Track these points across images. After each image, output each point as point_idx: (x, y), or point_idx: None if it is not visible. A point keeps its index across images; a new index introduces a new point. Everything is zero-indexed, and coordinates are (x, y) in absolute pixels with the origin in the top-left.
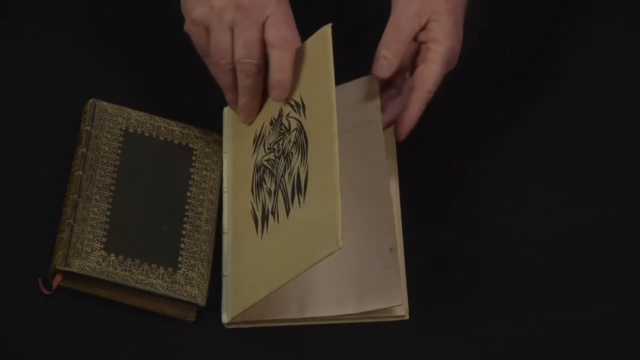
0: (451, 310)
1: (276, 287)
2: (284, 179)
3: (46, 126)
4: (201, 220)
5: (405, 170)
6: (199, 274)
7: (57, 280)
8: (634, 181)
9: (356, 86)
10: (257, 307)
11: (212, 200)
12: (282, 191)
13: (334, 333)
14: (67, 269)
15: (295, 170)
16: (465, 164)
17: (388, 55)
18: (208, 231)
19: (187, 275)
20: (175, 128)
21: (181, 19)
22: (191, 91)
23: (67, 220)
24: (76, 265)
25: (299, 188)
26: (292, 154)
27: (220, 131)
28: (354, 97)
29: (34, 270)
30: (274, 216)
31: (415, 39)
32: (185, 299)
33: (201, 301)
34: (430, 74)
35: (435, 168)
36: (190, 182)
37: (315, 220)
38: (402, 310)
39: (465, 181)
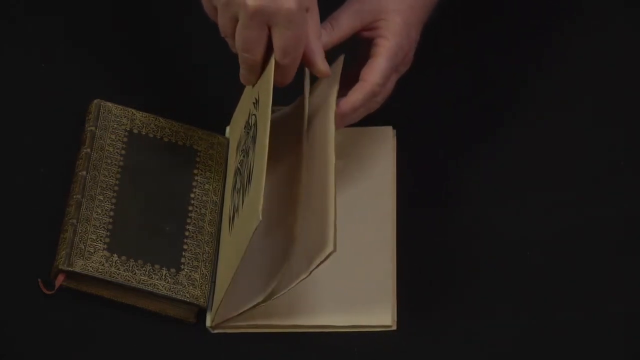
0: (450, 310)
1: (229, 281)
2: (244, 175)
3: (49, 126)
4: (204, 222)
5: (404, 170)
6: (201, 275)
7: (60, 280)
8: (634, 181)
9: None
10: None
11: (216, 201)
12: (242, 187)
13: (333, 335)
14: (69, 269)
15: (250, 163)
16: (464, 164)
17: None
18: (211, 233)
19: (190, 276)
20: (179, 129)
21: (185, 20)
22: (195, 93)
23: (71, 221)
24: (79, 265)
25: (249, 179)
26: (250, 148)
27: (223, 133)
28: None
29: (36, 270)
30: (237, 212)
31: (364, 38)
32: (188, 300)
33: (203, 302)
34: (375, 66)
35: (434, 168)
36: (194, 183)
37: (248, 203)
38: (388, 320)
39: (465, 181)
